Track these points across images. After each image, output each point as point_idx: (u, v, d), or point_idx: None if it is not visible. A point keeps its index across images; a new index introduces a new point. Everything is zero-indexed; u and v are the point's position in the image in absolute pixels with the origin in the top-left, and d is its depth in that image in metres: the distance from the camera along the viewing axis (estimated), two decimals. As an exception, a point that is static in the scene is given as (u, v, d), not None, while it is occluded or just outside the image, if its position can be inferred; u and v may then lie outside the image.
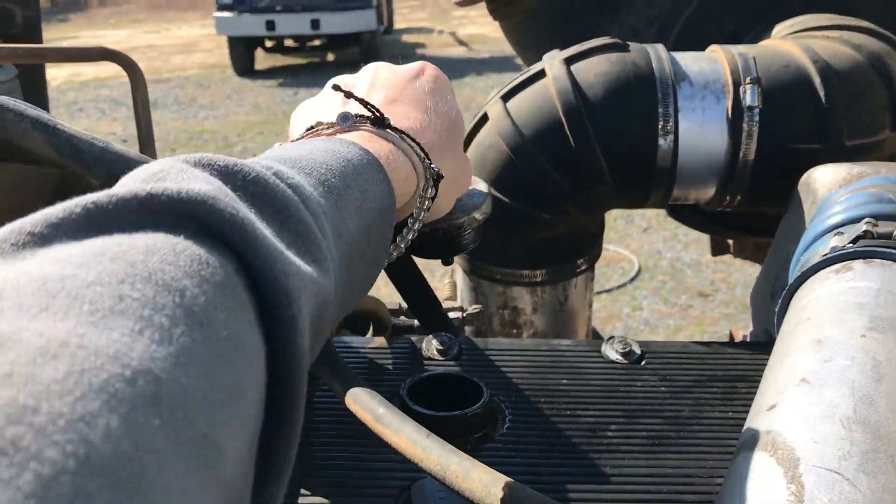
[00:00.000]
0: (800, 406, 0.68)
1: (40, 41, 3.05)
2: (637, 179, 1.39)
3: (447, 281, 2.01)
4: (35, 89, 2.86)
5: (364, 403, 0.86)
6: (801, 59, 1.39)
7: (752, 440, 0.68)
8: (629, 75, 1.37)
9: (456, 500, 0.87)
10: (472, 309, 1.45)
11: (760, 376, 0.88)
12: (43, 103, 3.07)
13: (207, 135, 9.29)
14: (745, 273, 5.33)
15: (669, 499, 0.91)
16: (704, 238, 5.23)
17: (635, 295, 5.19)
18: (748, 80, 1.35)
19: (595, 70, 1.38)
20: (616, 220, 6.28)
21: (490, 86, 10.79)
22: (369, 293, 1.40)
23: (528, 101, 1.40)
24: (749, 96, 1.34)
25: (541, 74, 1.42)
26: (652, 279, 5.41)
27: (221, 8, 12.60)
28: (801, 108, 1.36)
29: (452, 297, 1.77)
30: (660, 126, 1.35)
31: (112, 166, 1.06)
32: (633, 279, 5.41)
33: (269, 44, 13.41)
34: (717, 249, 2.44)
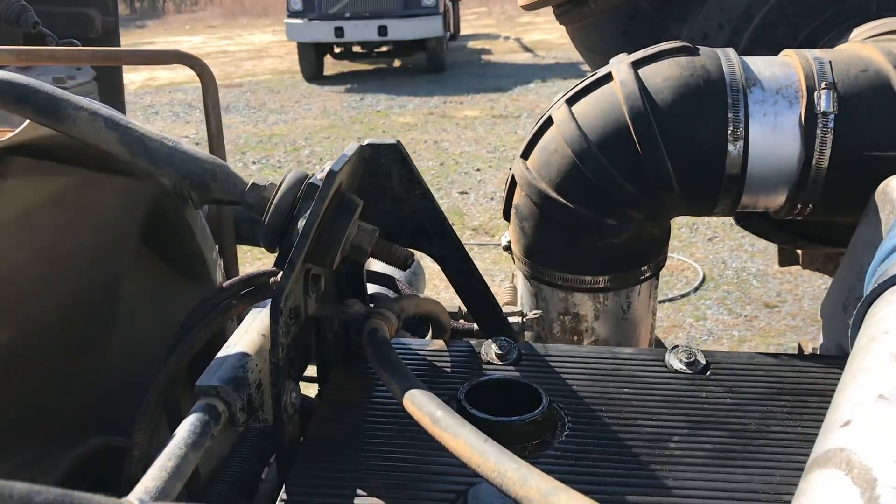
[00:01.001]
0: (877, 423, 0.65)
1: (118, 46, 3.15)
2: (705, 186, 1.36)
3: (507, 286, 1.99)
4: (112, 92, 2.95)
5: (421, 405, 0.86)
6: (880, 63, 1.33)
7: (824, 457, 0.65)
8: (699, 80, 1.34)
9: (513, 507, 0.86)
10: (533, 314, 1.43)
11: (832, 391, 0.85)
12: (119, 105, 3.16)
13: (276, 138, 9.46)
14: (812, 284, 5.17)
15: (734, 514, 0.88)
16: (771, 248, 5.07)
17: (699, 305, 5.08)
18: (823, 84, 1.31)
19: (664, 74, 1.35)
20: (681, 228, 6.16)
21: (555, 92, 10.73)
22: (429, 296, 1.40)
23: (594, 105, 1.39)
24: (824, 102, 1.30)
25: (607, 78, 1.40)
26: (716, 289, 5.29)
27: (292, 15, 12.84)
28: (880, 114, 1.31)
29: (512, 303, 1.76)
30: (729, 132, 1.32)
31: (181, 166, 1.09)
32: (696, 288, 5.29)
33: (337, 50, 13.60)
34: (786, 260, 2.36)
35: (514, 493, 0.69)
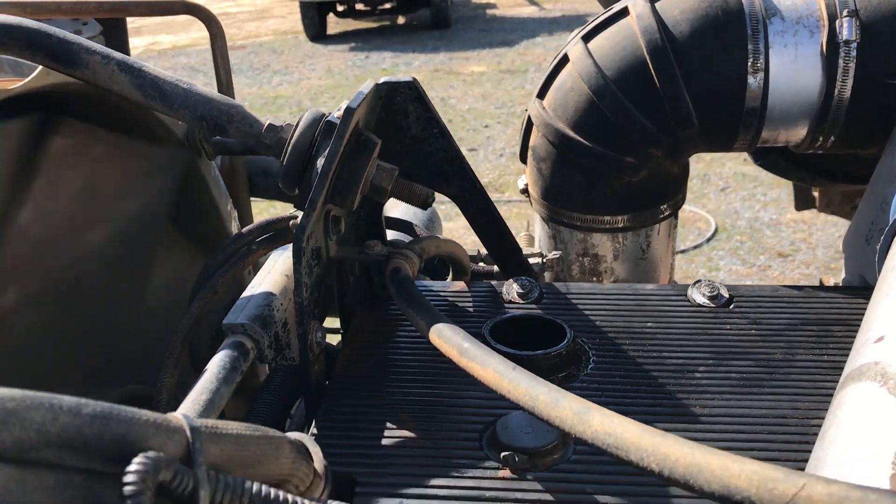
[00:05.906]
0: (911, 335, 0.64)
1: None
2: (724, 120, 1.34)
3: (523, 234, 1.99)
4: (117, 48, 2.92)
5: (448, 338, 0.86)
6: (904, -12, 1.30)
7: (858, 371, 0.65)
8: (717, 11, 1.31)
9: (541, 436, 0.87)
10: (552, 255, 1.43)
11: (857, 320, 0.84)
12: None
13: (282, 100, 9.39)
14: (826, 233, 5.14)
15: (762, 439, 0.89)
16: (784, 197, 5.03)
17: (712, 256, 5.06)
18: (845, 12, 1.28)
19: (681, 6, 1.33)
20: (692, 179, 6.11)
21: (562, 45, 10.56)
22: (448, 237, 1.40)
23: (610, 40, 1.36)
24: (846, 30, 1.27)
25: (623, 13, 1.37)
26: (729, 239, 5.26)
27: (292, -27, 12.67)
28: (904, 42, 1.28)
29: (529, 248, 1.75)
30: (749, 64, 1.30)
31: (196, 107, 1.08)
32: (709, 239, 5.27)
33: (340, 8, 13.41)
34: (802, 203, 2.33)
35: (547, 415, 0.69)
